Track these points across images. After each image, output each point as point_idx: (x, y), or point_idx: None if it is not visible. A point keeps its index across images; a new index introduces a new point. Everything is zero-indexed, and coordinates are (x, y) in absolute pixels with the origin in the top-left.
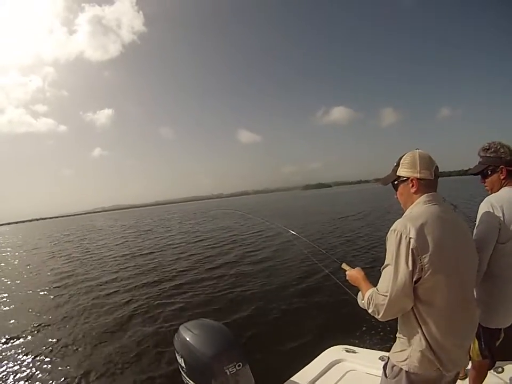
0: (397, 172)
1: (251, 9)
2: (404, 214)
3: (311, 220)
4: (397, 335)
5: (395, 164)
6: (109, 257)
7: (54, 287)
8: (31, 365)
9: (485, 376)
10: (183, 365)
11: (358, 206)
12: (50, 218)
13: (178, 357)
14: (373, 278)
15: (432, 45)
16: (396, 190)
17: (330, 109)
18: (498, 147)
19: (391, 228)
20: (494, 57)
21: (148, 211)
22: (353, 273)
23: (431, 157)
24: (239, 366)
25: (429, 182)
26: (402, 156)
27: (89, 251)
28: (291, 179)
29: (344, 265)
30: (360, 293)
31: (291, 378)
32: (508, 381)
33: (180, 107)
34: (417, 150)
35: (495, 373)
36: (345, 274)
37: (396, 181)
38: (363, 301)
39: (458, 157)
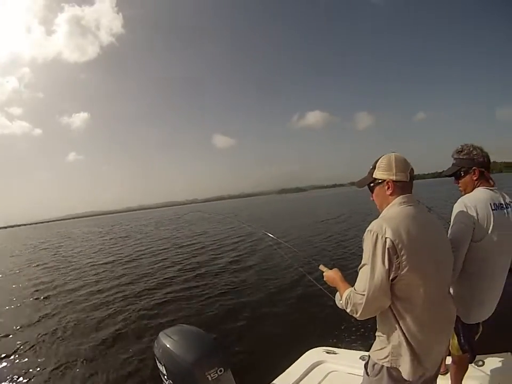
0: (373, 174)
1: (231, 13)
2: (380, 215)
3: (288, 224)
4: (376, 333)
5: (371, 167)
6: (87, 266)
7: (32, 299)
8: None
9: (466, 370)
10: (164, 372)
11: (335, 210)
12: (25, 225)
13: (159, 365)
14: (352, 279)
15: (409, 49)
16: (372, 192)
17: (305, 113)
18: (471, 149)
19: (368, 229)
20: (471, 63)
21: (122, 217)
22: (331, 274)
23: (406, 160)
24: (220, 371)
25: (405, 184)
26: (378, 159)
27: (66, 259)
28: (266, 183)
29: (321, 267)
30: (338, 294)
31: (273, 382)
32: (489, 373)
33: (155, 112)
34: (393, 153)
35: (475, 366)
36: (322, 275)
37: (371, 183)
38: (341, 301)
39: (433, 160)
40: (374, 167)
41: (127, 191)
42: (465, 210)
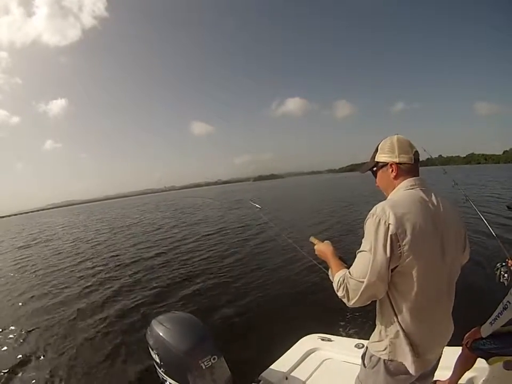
0: (376, 157)
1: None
2: (386, 199)
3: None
4: (376, 323)
5: (374, 150)
6: (81, 252)
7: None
8: None
9: (472, 366)
10: (157, 360)
11: (314, 195)
12: (3, 217)
13: (152, 353)
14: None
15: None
16: (376, 177)
17: (285, 100)
18: None
19: (370, 212)
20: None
21: (104, 206)
22: (322, 248)
23: (410, 142)
24: (214, 359)
25: (409, 167)
26: (381, 142)
27: (50, 250)
28: (243, 170)
29: (312, 239)
30: (330, 271)
31: (268, 369)
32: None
33: (133, 100)
34: (396, 135)
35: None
36: (313, 249)
37: (374, 167)
38: (333, 282)
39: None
40: (376, 150)
41: (104, 179)
42: None
